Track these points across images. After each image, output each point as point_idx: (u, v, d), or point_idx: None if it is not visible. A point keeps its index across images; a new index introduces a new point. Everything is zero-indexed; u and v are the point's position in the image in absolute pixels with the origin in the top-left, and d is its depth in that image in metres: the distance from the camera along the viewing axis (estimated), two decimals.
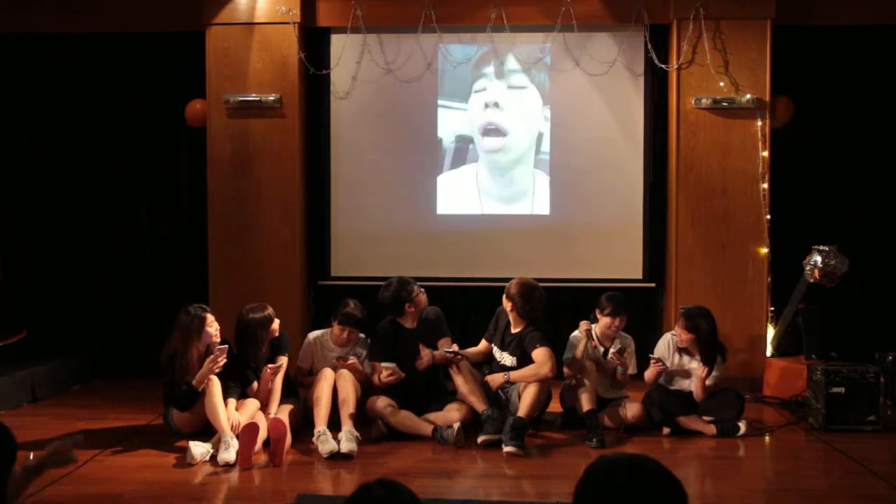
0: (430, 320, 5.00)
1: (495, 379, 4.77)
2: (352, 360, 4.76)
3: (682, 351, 4.90)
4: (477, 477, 4.11)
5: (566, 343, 4.98)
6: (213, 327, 4.61)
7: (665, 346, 4.96)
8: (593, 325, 4.93)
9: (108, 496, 3.70)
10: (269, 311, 4.77)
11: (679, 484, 1.64)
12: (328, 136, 6.44)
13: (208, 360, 4.45)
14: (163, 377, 4.57)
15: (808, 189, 6.30)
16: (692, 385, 4.82)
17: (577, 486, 1.68)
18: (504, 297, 4.87)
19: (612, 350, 4.88)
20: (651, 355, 4.92)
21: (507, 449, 4.36)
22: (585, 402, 4.65)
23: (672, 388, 4.91)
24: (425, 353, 4.79)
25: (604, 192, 6.36)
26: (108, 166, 6.63)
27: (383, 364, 4.73)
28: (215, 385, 4.38)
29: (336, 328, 4.94)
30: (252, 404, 4.55)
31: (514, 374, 4.71)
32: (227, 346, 4.55)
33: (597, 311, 4.94)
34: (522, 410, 4.56)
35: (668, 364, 4.86)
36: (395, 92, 6.38)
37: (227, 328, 5.66)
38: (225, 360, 4.49)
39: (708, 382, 4.78)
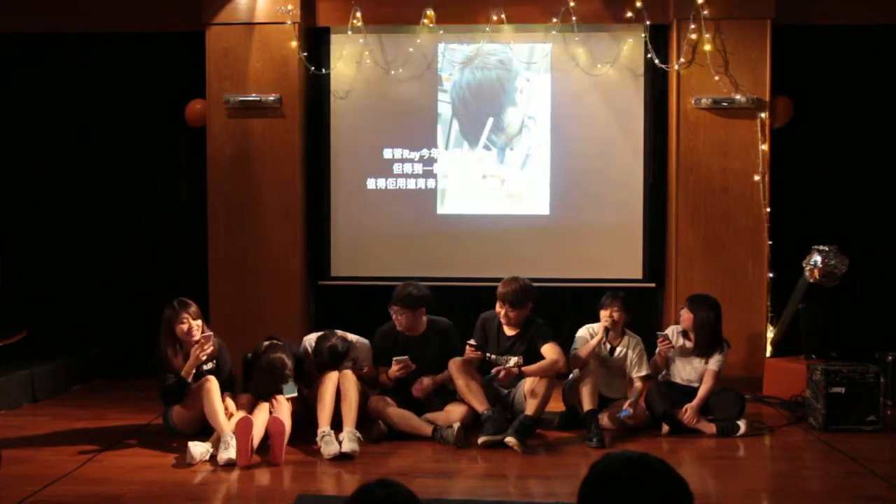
0: (440, 331, 4.92)
1: (509, 373, 4.64)
2: (365, 369, 4.81)
3: (684, 336, 4.94)
4: (477, 477, 4.11)
5: (569, 341, 4.99)
6: (186, 324, 4.54)
7: (671, 333, 5.00)
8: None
9: (108, 496, 3.70)
10: (285, 373, 4.50)
11: (685, 483, 1.63)
12: (328, 136, 6.44)
13: (194, 348, 4.47)
14: (156, 374, 4.58)
15: (808, 188, 6.29)
16: (701, 376, 4.85)
17: (581, 485, 1.67)
18: (500, 301, 4.79)
19: (619, 348, 4.93)
20: (659, 332, 4.97)
21: (509, 439, 4.37)
22: (587, 402, 4.65)
23: (676, 381, 4.93)
24: (425, 382, 4.74)
25: (604, 192, 6.36)
26: (108, 166, 6.63)
27: (395, 357, 4.70)
28: (213, 385, 4.38)
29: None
30: (246, 399, 4.58)
31: (528, 369, 4.65)
32: (211, 333, 4.55)
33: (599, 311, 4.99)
34: (531, 409, 4.56)
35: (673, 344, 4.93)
36: (395, 92, 6.39)
37: (227, 328, 5.66)
38: (212, 348, 4.51)
39: (711, 366, 4.81)
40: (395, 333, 4.88)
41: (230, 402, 4.49)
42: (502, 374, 4.63)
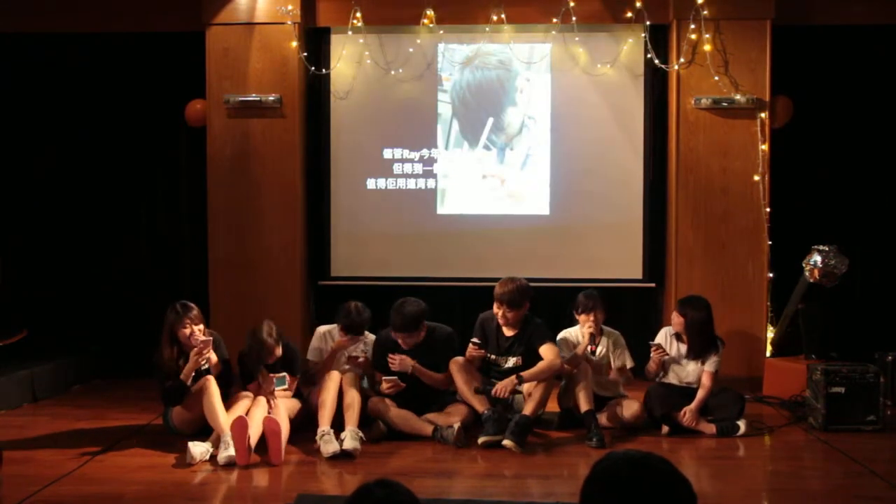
0: (440, 339, 4.85)
1: (506, 385, 4.58)
2: (361, 358, 4.79)
3: (678, 339, 4.94)
4: (477, 477, 4.11)
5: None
6: (189, 328, 4.53)
7: (663, 337, 5.00)
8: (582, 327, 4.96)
9: (108, 496, 3.70)
10: (264, 337, 4.57)
11: (687, 482, 1.63)
12: (328, 136, 6.44)
13: (193, 352, 4.48)
14: (157, 376, 4.59)
15: (808, 188, 6.29)
16: (698, 376, 4.84)
17: (584, 484, 1.66)
18: (497, 302, 4.78)
19: (599, 348, 4.95)
20: (651, 342, 4.96)
21: (506, 442, 4.38)
22: (584, 403, 4.65)
23: (674, 383, 4.93)
24: (403, 359, 4.69)
25: (604, 192, 6.36)
26: (108, 166, 6.63)
27: (384, 378, 4.70)
28: (212, 385, 4.39)
29: (341, 335, 4.83)
30: (244, 397, 4.58)
31: (527, 375, 4.62)
32: (211, 338, 4.55)
33: (574, 313, 4.97)
34: (529, 408, 4.57)
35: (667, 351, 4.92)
36: (395, 92, 6.39)
37: (227, 328, 5.65)
38: (210, 352, 4.51)
39: (708, 368, 4.80)
40: (395, 340, 4.84)
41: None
42: (501, 389, 4.57)
